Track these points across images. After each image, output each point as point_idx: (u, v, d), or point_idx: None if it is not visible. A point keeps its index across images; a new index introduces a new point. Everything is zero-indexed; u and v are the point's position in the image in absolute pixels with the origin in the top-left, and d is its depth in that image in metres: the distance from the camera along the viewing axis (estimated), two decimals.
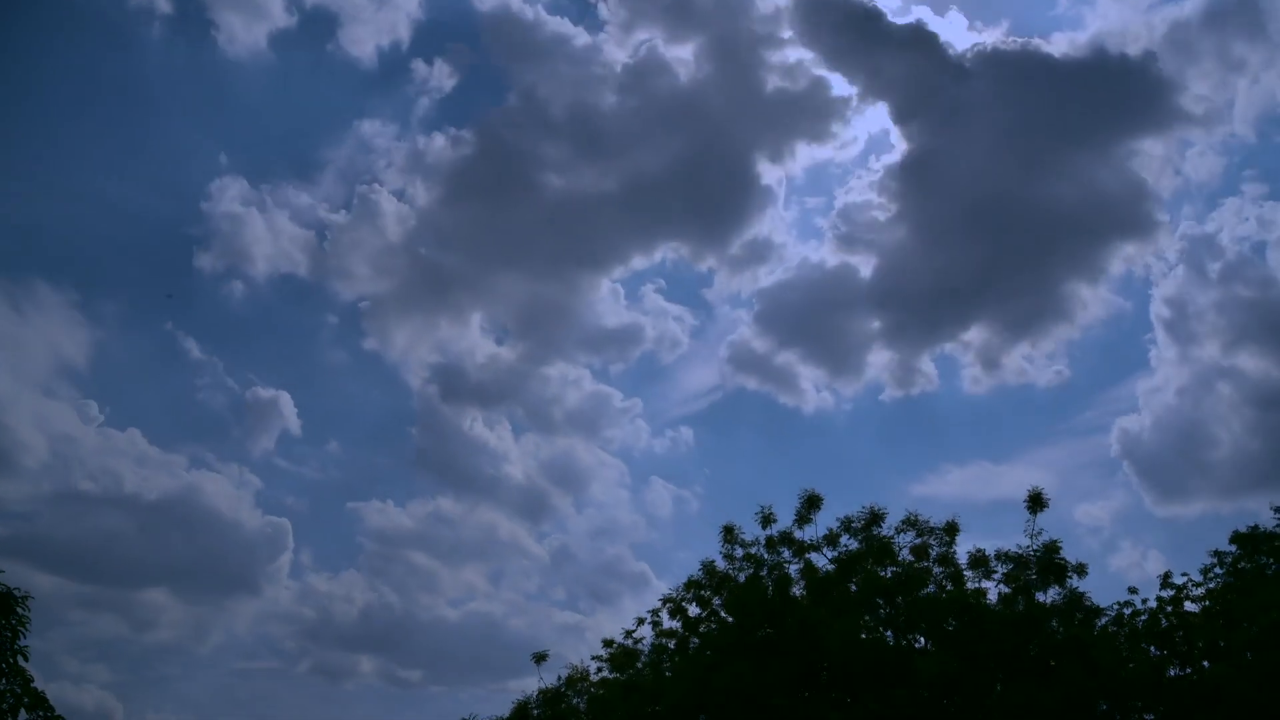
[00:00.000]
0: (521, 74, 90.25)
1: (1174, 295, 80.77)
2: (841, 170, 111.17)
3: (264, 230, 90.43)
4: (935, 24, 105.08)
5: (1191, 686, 22.65)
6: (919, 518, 25.08)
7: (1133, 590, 26.31)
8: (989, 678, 22.26)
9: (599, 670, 28.79)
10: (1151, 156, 77.94)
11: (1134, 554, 73.03)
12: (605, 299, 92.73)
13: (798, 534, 25.67)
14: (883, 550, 24.52)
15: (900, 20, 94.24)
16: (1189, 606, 25.48)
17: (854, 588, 24.15)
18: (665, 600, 27.54)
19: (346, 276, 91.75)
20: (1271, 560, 25.94)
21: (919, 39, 78.75)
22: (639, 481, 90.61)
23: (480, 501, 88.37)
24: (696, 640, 26.22)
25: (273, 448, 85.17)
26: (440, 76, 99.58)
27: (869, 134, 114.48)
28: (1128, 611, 25.65)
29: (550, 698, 29.09)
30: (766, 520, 25.77)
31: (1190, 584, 25.92)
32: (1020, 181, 76.36)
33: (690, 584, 26.86)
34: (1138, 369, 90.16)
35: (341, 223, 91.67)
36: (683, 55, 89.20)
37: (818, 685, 23.41)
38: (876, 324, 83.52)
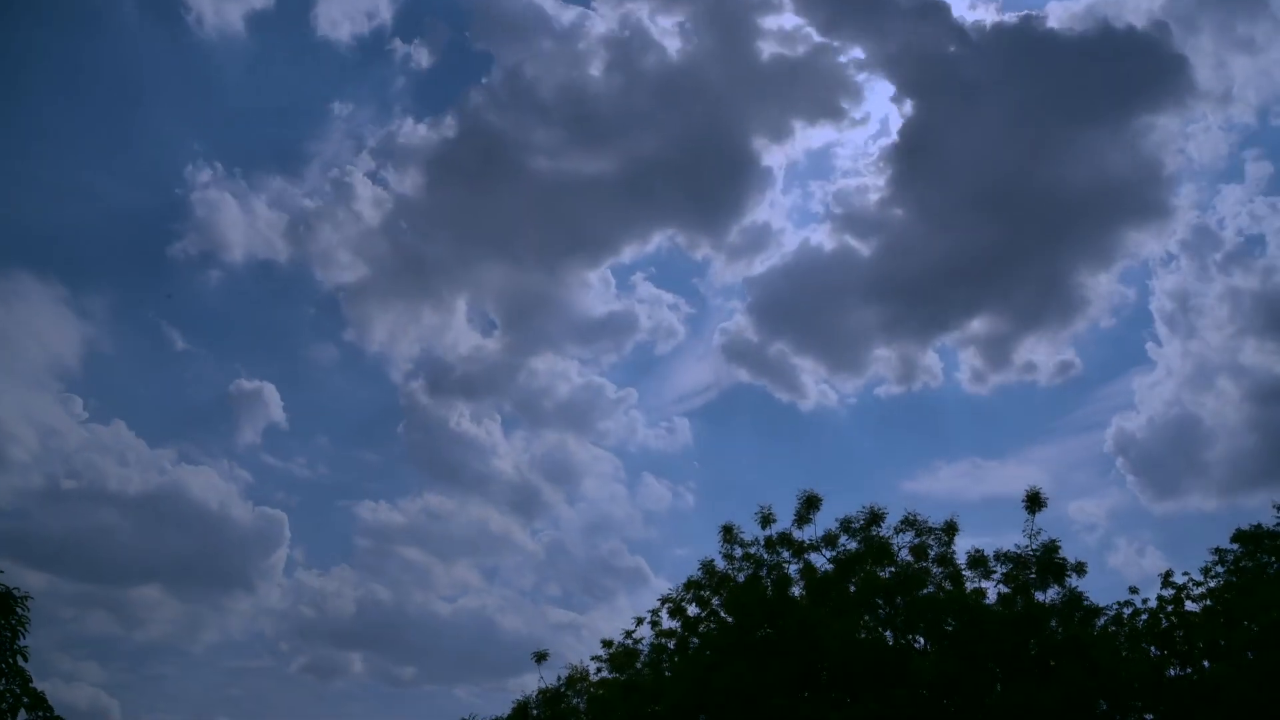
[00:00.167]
0: (504, 53, 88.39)
1: (1175, 288, 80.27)
2: (849, 151, 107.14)
3: (243, 219, 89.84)
4: None
5: (1191, 686, 22.58)
6: (918, 518, 25.10)
7: (1133, 590, 26.28)
8: (988, 678, 22.22)
9: (598, 670, 28.82)
10: (1162, 134, 75.49)
11: (1130, 551, 72.78)
12: (596, 288, 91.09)
13: (797, 534, 25.70)
14: (881, 550, 24.49)
15: None
16: (1190, 606, 25.41)
17: (853, 588, 24.11)
18: (664, 600, 27.58)
19: (328, 265, 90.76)
20: (1273, 559, 25.86)
21: (928, 8, 75.21)
22: (633, 476, 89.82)
23: (471, 497, 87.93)
24: (696, 640, 26.21)
25: (260, 442, 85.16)
26: (420, 57, 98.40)
27: (881, 113, 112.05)
28: (1128, 611, 25.59)
29: (550, 698, 29.12)
30: (766, 520, 25.77)
31: (1191, 583, 25.86)
32: (1029, 162, 73.50)
33: (690, 584, 26.87)
34: (1137, 364, 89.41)
35: (321, 210, 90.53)
36: (672, 26, 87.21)
37: (817, 685, 23.39)
38: (878, 315, 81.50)
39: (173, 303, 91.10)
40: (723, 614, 25.90)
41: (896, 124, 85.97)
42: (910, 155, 76.59)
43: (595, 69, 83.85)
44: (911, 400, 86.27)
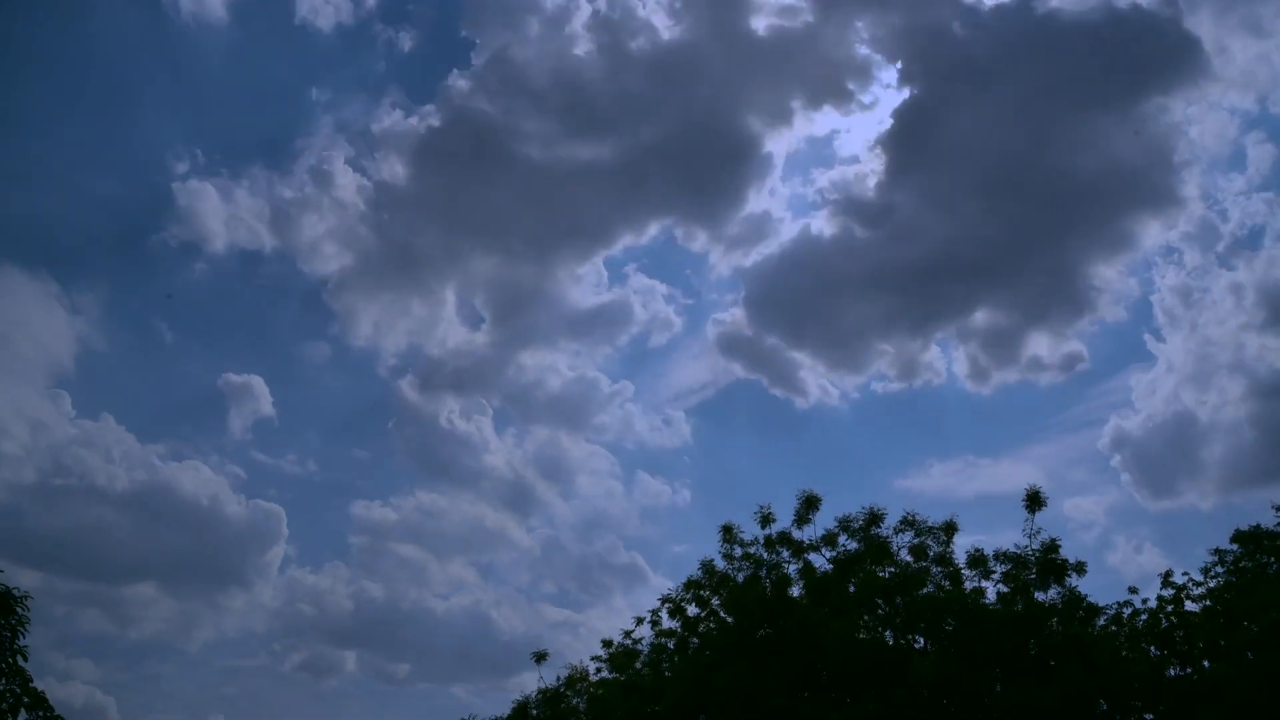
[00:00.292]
0: (489, 36, 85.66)
1: (1177, 282, 79.07)
2: (856, 138, 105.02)
3: (226, 210, 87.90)
4: None
5: (1191, 686, 22.58)
6: (918, 518, 25.09)
7: (1133, 590, 26.27)
8: (988, 678, 22.22)
9: (598, 670, 28.82)
10: (1172, 119, 72.54)
11: (1127, 549, 72.11)
12: (589, 279, 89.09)
13: (796, 534, 25.69)
14: (881, 550, 24.48)
15: None
16: (1190, 606, 25.40)
17: (853, 588, 24.11)
18: (664, 600, 27.58)
19: (313, 256, 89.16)
20: (1273, 559, 25.86)
21: None
22: (629, 472, 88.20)
23: (464, 493, 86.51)
24: (696, 640, 26.21)
25: (250, 438, 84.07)
26: (403, 42, 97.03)
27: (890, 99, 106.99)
28: (1127, 611, 25.58)
29: (550, 698, 29.12)
30: (765, 520, 25.77)
31: (1191, 583, 25.85)
32: (1033, 148, 70.24)
33: (689, 584, 26.87)
34: (1137, 359, 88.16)
35: (306, 200, 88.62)
36: (663, 4, 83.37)
37: (817, 685, 23.39)
38: (877, 308, 78.83)
39: (158, 295, 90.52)
40: (722, 614, 25.90)
41: (898, 108, 79.71)
42: (910, 140, 73.53)
43: (585, 52, 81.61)
44: (909, 396, 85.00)
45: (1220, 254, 77.63)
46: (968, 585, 24.21)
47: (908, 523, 24.97)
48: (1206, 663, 23.54)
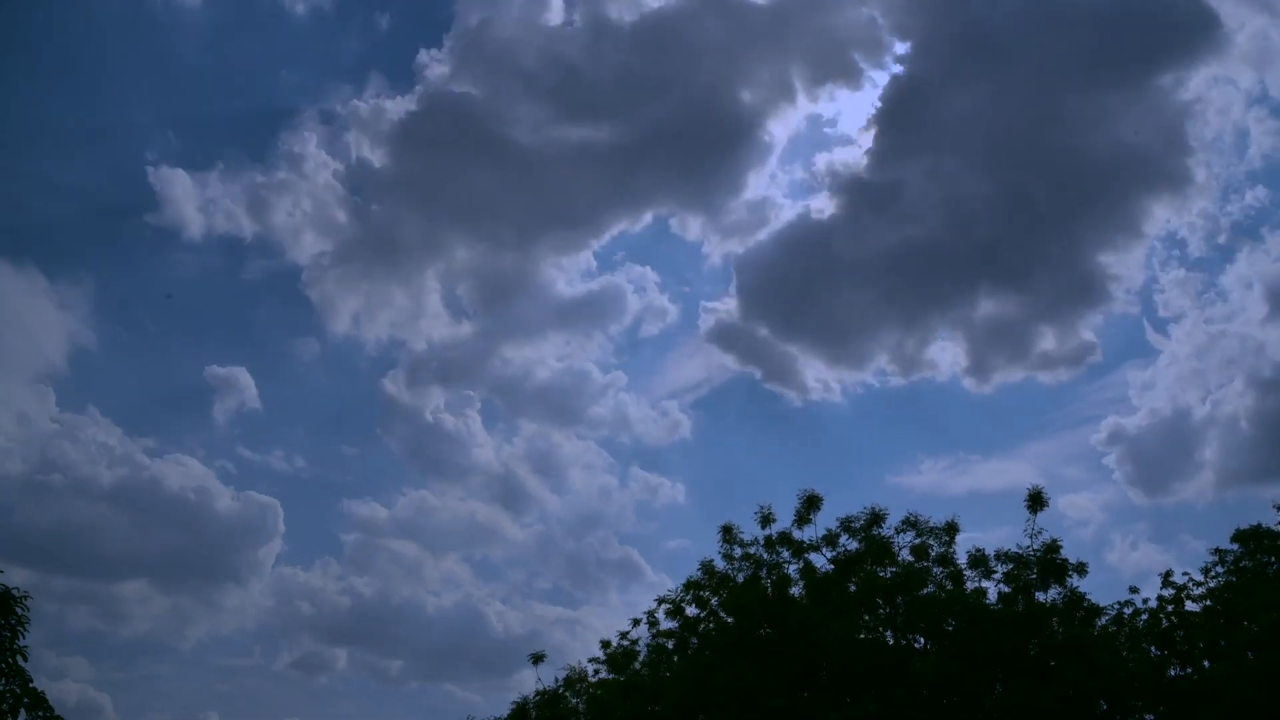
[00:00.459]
0: (469, 12, 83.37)
1: (1179, 275, 77.51)
2: (859, 119, 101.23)
3: (203, 197, 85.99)
4: None
5: (1191, 686, 22.57)
6: (919, 518, 25.09)
7: (1133, 590, 26.29)
8: (989, 678, 22.21)
9: (596, 671, 28.81)
10: (1185, 97, 68.49)
11: (1124, 546, 71.23)
12: (579, 268, 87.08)
13: (797, 534, 25.68)
14: (882, 550, 24.47)
15: None
16: (1190, 606, 25.41)
17: (853, 588, 24.10)
18: (662, 601, 27.57)
19: (294, 245, 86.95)
20: (1273, 559, 25.86)
21: None
22: (623, 465, 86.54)
23: (454, 488, 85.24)
24: (695, 640, 26.19)
25: (238, 433, 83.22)
26: (383, 22, 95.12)
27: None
28: (1128, 611, 25.59)
29: (549, 698, 29.10)
30: (765, 520, 25.75)
31: (1191, 583, 25.86)
32: (1042, 126, 66.50)
33: (689, 584, 26.86)
34: (1138, 354, 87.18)
35: (285, 187, 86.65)
36: None
37: (817, 685, 23.38)
38: (878, 298, 74.82)
39: (140, 286, 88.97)
40: (722, 614, 25.89)
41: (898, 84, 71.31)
42: (911, 118, 69.91)
43: (569, 27, 78.43)
44: (907, 392, 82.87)
45: (1222, 245, 75.70)
46: (969, 585, 24.19)
47: (909, 523, 24.98)
48: (1206, 663, 23.54)
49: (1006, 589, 23.80)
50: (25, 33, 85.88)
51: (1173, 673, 24.17)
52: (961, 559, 24.64)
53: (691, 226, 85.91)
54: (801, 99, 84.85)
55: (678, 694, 23.70)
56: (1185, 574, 26.12)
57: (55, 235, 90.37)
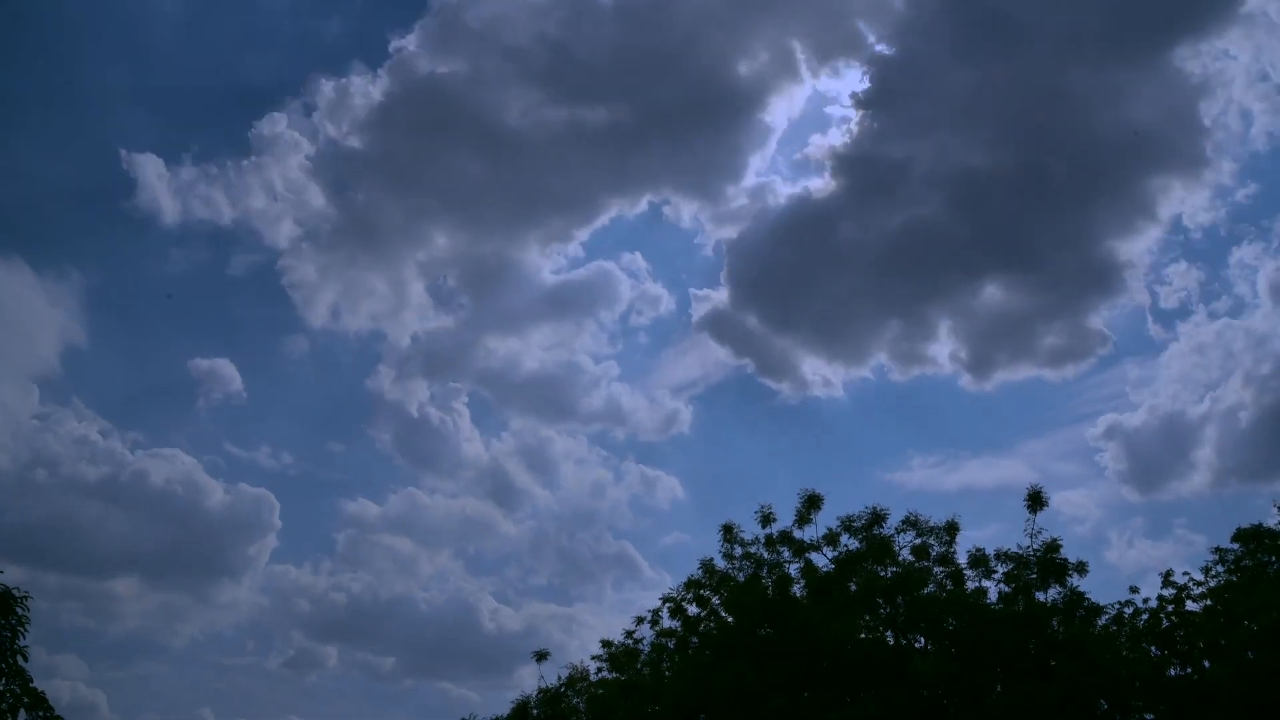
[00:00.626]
0: None
1: (1180, 269, 76.23)
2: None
3: (180, 183, 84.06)
4: None
5: (1191, 686, 22.58)
6: (919, 518, 25.08)
7: (1134, 589, 26.29)
8: (989, 677, 22.22)
9: (599, 670, 28.83)
10: (1200, 71, 64.63)
11: (1120, 544, 70.47)
12: (569, 255, 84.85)
13: (797, 534, 25.68)
14: (883, 550, 24.47)
15: None
16: (1190, 605, 25.39)
17: (854, 587, 24.10)
18: (665, 600, 27.61)
19: (274, 233, 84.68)
20: (1273, 558, 25.85)
21: None
22: (617, 459, 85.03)
23: (446, 484, 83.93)
24: (696, 640, 26.22)
25: (223, 428, 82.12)
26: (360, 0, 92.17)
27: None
28: (1128, 611, 25.58)
29: (550, 697, 29.12)
30: (766, 520, 25.76)
31: (1191, 583, 25.85)
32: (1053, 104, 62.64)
33: (690, 584, 26.89)
34: (1139, 349, 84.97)
35: (263, 171, 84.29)
36: None
37: (818, 685, 23.38)
38: (881, 292, 72.42)
39: (119, 278, 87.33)
40: (723, 614, 25.91)
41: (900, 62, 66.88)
42: (903, 98, 66.96)
43: (555, 2, 75.56)
44: (904, 388, 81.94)
45: (1234, 233, 73.74)
46: (969, 585, 24.19)
47: (910, 523, 24.98)
48: (1206, 663, 23.54)
49: (1007, 589, 23.81)
50: None
51: (1173, 673, 24.17)
52: (962, 559, 24.68)
53: (686, 211, 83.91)
54: (804, 75, 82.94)
55: (678, 693, 23.73)
56: (1185, 574, 26.15)
57: (33, 223, 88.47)
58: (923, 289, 70.93)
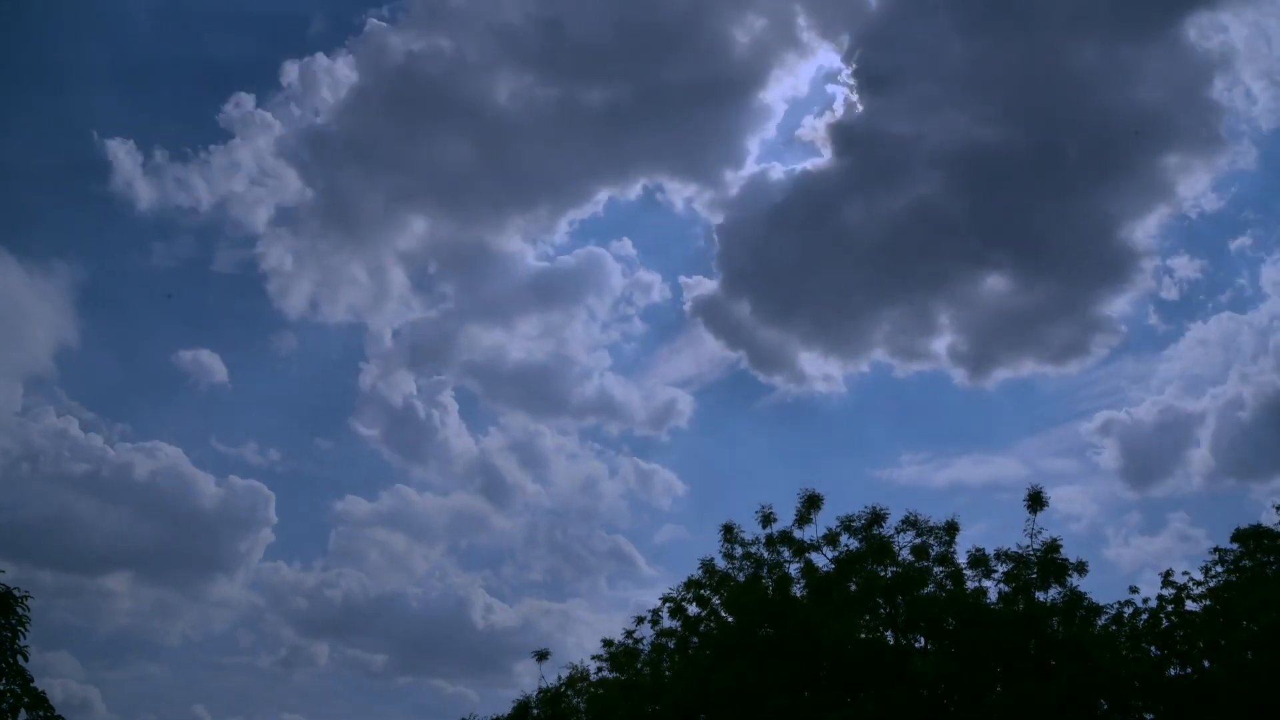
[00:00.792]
0: None
1: (1182, 263, 76.07)
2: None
3: (153, 167, 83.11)
4: None
5: (1191, 686, 22.60)
6: (919, 517, 25.10)
7: (1133, 589, 26.30)
8: (989, 677, 22.25)
9: (599, 670, 28.85)
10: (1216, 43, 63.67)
11: (1116, 541, 70.64)
12: (556, 243, 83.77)
13: (797, 533, 25.70)
14: (883, 550, 24.49)
15: None
16: (1190, 605, 25.42)
17: (854, 587, 24.12)
18: (665, 600, 27.63)
19: (250, 220, 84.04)
20: (1273, 558, 25.87)
21: None
22: (613, 452, 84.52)
23: (438, 479, 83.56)
24: (696, 640, 26.24)
25: (210, 422, 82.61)
26: None
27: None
28: (1128, 611, 25.60)
29: (550, 697, 29.14)
30: (766, 519, 25.78)
31: (1191, 583, 25.87)
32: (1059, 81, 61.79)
33: (690, 583, 26.93)
34: (1140, 346, 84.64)
35: (236, 156, 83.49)
36: None
37: (818, 685, 23.40)
38: (880, 280, 71.37)
39: (102, 269, 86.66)
40: (723, 613, 25.93)
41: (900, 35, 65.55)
42: (906, 74, 65.52)
43: None
44: (901, 385, 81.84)
45: (1248, 220, 73.38)
46: (969, 585, 24.21)
47: (909, 522, 25.00)
48: (1206, 663, 23.55)
49: (1006, 589, 23.82)
50: None
51: (1173, 672, 24.18)
52: (961, 559, 24.70)
53: (680, 196, 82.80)
54: (806, 49, 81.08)
55: (678, 693, 23.75)
56: (1185, 574, 26.17)
57: (10, 209, 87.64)
58: (924, 277, 69.36)
